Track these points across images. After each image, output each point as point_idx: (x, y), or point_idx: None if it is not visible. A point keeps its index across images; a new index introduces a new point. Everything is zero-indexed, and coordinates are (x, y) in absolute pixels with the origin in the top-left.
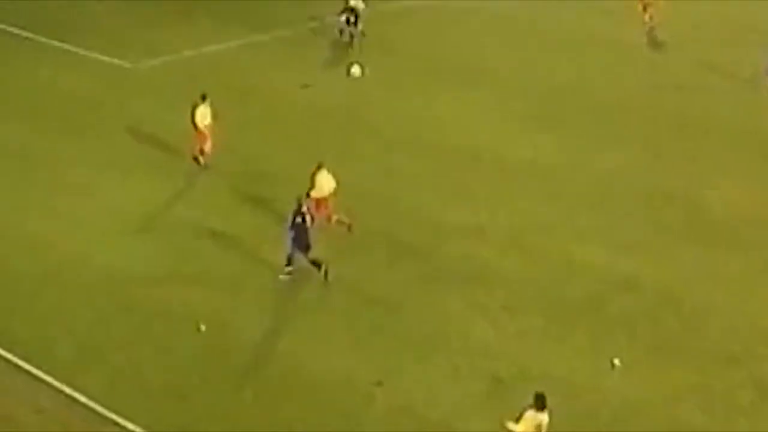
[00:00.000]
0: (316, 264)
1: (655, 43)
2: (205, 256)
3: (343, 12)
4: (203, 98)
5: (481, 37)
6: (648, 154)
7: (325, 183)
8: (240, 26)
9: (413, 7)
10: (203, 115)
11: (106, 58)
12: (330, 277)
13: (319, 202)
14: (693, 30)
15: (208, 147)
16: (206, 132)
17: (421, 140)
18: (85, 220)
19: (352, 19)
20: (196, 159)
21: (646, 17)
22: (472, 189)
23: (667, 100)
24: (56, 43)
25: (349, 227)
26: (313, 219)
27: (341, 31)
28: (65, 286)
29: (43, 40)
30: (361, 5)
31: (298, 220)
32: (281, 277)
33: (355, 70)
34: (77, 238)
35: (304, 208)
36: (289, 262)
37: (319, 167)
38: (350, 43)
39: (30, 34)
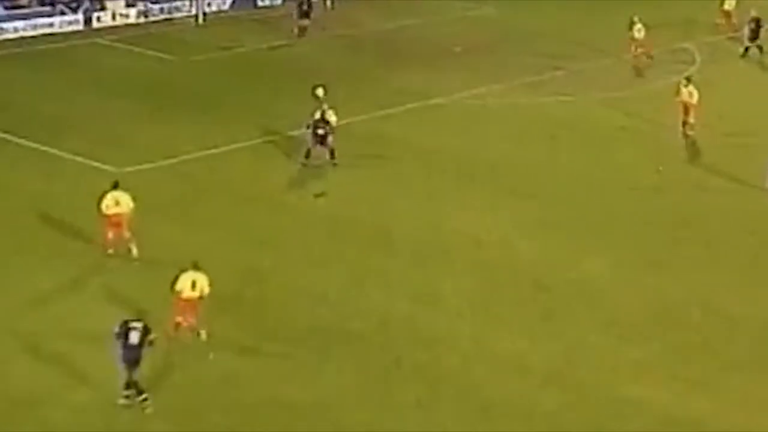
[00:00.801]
0: (138, 388)
1: (694, 146)
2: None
3: (312, 125)
4: (115, 186)
5: (507, 137)
6: (711, 275)
7: (187, 282)
8: (240, 128)
9: (430, 106)
10: (114, 201)
11: (88, 162)
12: (149, 409)
13: (186, 303)
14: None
15: (116, 234)
16: (119, 219)
17: (451, 256)
18: (48, 335)
19: (321, 132)
20: (130, 250)
21: (690, 119)
22: (510, 313)
23: (724, 212)
24: (36, 146)
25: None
26: (147, 334)
27: (308, 153)
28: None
29: (23, 142)
30: (333, 118)
31: (121, 332)
32: (120, 402)
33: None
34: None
35: (137, 324)
36: (127, 386)
37: (194, 265)
38: (332, 160)
39: (9, 137)
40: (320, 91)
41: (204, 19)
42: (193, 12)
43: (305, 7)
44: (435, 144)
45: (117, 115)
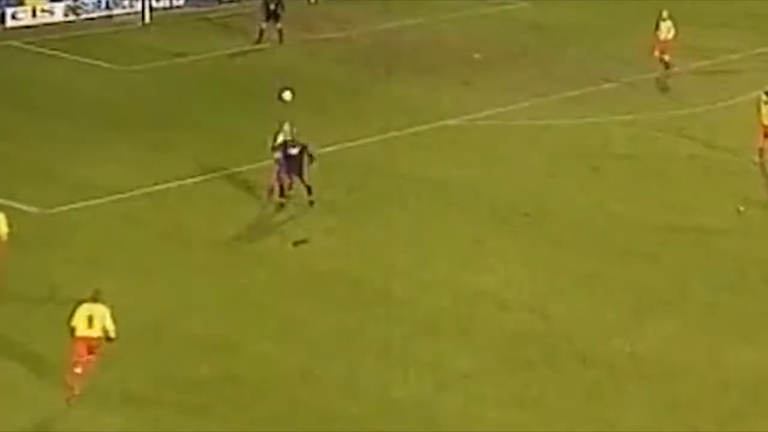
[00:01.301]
0: None
1: None
2: None
3: (281, 148)
4: None
5: (540, 168)
6: None
7: (82, 317)
8: (197, 157)
9: (442, 128)
10: None
11: (10, 203)
12: None
13: (81, 343)
14: None
15: None
16: None
17: (468, 322)
18: None
19: (294, 152)
20: None
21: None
22: (547, 395)
23: None
24: None
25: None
26: None
27: (282, 189)
28: None
29: None
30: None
31: None
32: None
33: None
34: None
35: None
36: None
37: (93, 297)
38: (310, 197)
39: None
40: (287, 127)
41: (151, 18)
42: (138, 8)
43: (272, 6)
44: (448, 178)
45: (42, 140)
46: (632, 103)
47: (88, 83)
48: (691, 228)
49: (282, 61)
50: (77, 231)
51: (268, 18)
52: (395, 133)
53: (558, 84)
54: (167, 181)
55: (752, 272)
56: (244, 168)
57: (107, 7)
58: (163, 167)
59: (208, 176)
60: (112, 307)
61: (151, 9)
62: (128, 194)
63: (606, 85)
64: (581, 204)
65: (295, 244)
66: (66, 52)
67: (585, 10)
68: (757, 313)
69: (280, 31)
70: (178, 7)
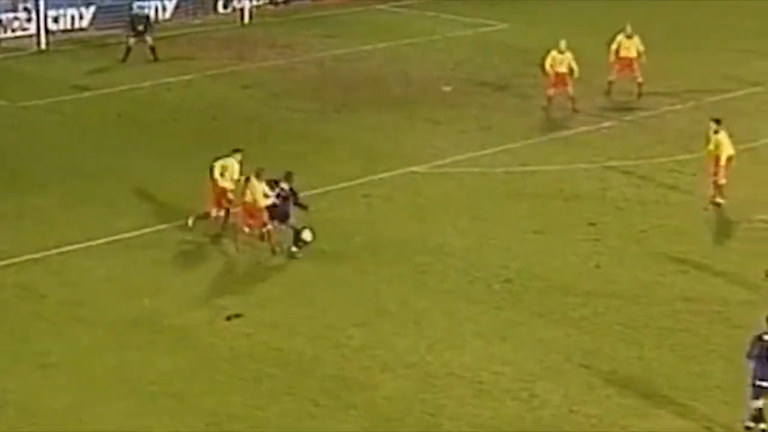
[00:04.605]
0: None
1: None
2: None
3: None
4: None
5: (523, 225)
6: None
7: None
8: (103, 213)
9: (405, 176)
10: None
11: None
12: None
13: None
14: None
15: None
16: None
17: (439, 414)
18: None
19: None
20: None
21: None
22: None
23: None
24: None
25: None
26: None
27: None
28: None
29: None
30: None
31: None
32: None
33: (307, 234)
34: None
35: None
36: None
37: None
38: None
39: None
40: None
41: (48, 43)
42: (32, 30)
43: (141, 27)
44: (412, 236)
45: None
46: (634, 146)
47: None
48: (711, 298)
49: (211, 96)
50: None
51: (135, 35)
52: (347, 183)
53: (545, 122)
54: (70, 243)
55: None
56: (162, 226)
57: None
58: (65, 226)
59: (119, 236)
60: None
61: (48, 32)
62: (21, 259)
63: (604, 124)
64: (575, 267)
65: (228, 318)
66: None
67: (577, 33)
68: None
69: (152, 49)
70: (81, 29)
